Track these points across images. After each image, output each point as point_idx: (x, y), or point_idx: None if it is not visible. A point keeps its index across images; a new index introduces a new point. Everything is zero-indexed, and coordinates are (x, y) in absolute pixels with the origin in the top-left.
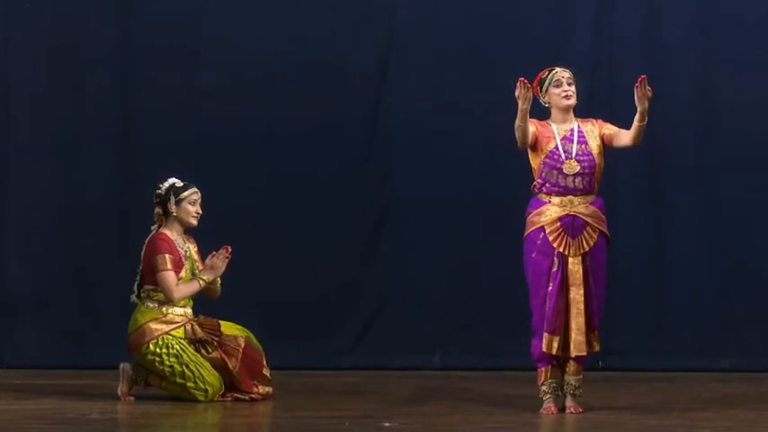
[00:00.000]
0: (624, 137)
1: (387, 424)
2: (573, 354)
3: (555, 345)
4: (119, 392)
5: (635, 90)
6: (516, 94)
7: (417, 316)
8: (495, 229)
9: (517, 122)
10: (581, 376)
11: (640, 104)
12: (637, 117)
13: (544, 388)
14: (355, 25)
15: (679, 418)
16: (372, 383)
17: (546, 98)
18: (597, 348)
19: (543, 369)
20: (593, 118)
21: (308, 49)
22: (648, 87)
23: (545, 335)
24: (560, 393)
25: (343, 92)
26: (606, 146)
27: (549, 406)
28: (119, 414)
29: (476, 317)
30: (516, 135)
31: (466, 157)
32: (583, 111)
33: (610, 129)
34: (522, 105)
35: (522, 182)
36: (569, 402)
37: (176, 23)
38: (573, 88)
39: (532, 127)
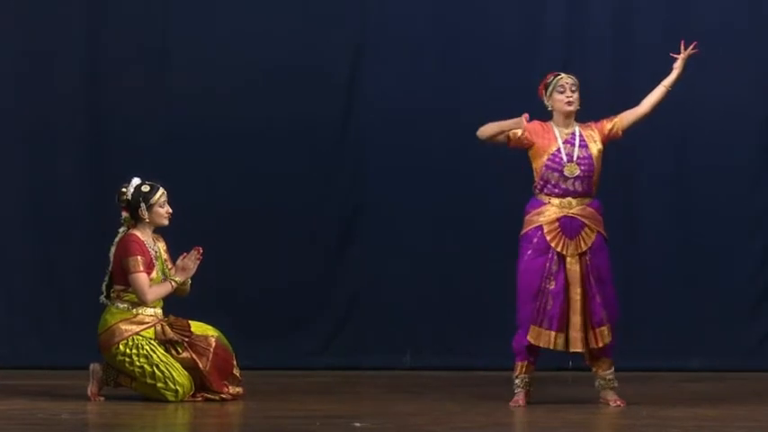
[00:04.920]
0: (637, 111)
1: (357, 424)
2: (571, 350)
3: (560, 341)
4: (89, 393)
5: (681, 55)
6: (516, 121)
7: (389, 316)
8: (467, 230)
9: (495, 129)
10: (612, 369)
11: (681, 69)
12: (670, 80)
13: (517, 381)
14: (326, 26)
15: (649, 417)
16: (344, 383)
17: (549, 102)
18: (608, 340)
19: (520, 363)
20: (592, 122)
21: (278, 49)
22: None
23: (551, 333)
24: (531, 389)
25: (315, 92)
26: (615, 138)
27: (517, 399)
28: (89, 414)
29: (447, 316)
30: (487, 132)
31: (437, 158)
32: None
33: (612, 121)
34: (513, 127)
35: (493, 182)
36: (611, 396)
37: (148, 24)
38: (576, 95)
39: (523, 132)
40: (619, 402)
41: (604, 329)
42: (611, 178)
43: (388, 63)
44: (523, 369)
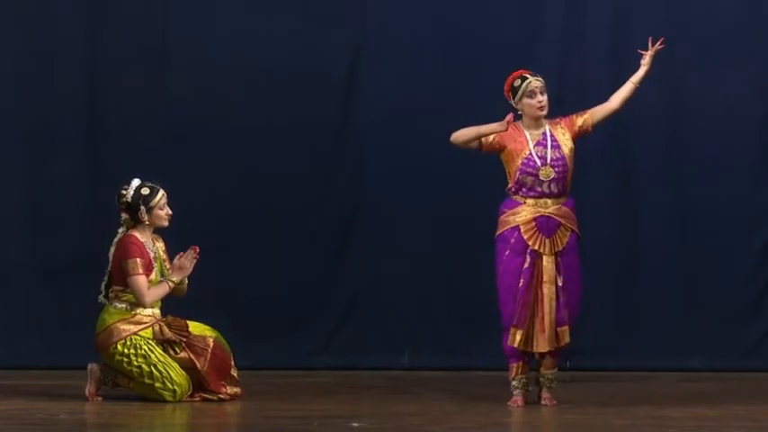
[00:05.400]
0: (607, 107)
1: (355, 424)
2: (537, 349)
3: (518, 338)
4: (87, 393)
5: (648, 51)
6: (499, 124)
7: (388, 316)
8: (466, 230)
9: (474, 133)
10: (556, 369)
11: (648, 65)
12: (638, 77)
13: (514, 383)
14: (326, 26)
15: (648, 417)
16: (342, 383)
17: (519, 106)
18: (567, 341)
19: (515, 365)
20: (560, 117)
21: (278, 49)
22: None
23: (511, 328)
24: (530, 389)
25: (314, 92)
26: (585, 134)
27: (516, 399)
28: (87, 414)
29: (446, 317)
30: (465, 136)
31: (437, 158)
32: (550, 113)
33: (582, 117)
34: (495, 131)
35: (492, 182)
36: (545, 394)
37: (148, 24)
38: (545, 97)
39: (494, 137)
40: (554, 402)
41: (565, 329)
42: (611, 178)
43: (388, 63)
44: (519, 370)
